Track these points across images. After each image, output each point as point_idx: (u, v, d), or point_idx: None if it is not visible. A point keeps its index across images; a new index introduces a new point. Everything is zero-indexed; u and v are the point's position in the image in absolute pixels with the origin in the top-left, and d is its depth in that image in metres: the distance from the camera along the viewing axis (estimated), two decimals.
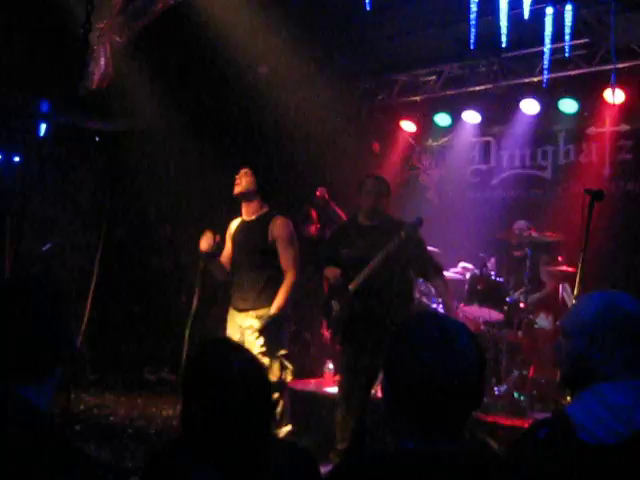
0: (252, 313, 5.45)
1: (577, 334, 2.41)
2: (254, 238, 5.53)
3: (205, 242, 5.49)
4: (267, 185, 5.66)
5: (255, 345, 5.39)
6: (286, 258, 5.44)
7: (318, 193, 7.75)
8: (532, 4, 6.10)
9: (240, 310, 5.53)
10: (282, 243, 5.45)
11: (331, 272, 5.47)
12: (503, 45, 5.90)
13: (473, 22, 5.58)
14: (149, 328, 8.87)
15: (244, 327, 5.47)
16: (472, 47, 5.95)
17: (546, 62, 6.17)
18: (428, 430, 1.84)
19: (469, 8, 6.11)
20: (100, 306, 8.37)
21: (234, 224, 5.76)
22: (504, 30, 5.73)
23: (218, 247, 5.52)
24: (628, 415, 2.19)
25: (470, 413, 1.89)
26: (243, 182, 5.56)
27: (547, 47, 5.99)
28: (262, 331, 5.34)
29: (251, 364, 2.11)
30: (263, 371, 2.18)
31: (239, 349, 2.19)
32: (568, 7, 5.92)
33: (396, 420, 1.88)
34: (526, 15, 5.73)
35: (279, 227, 5.48)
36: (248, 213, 5.63)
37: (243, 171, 5.59)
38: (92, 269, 8.20)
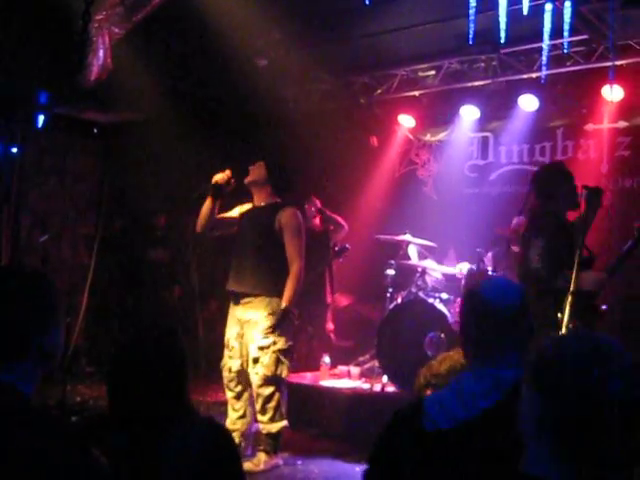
0: (251, 302, 5.44)
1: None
2: (261, 223, 5.53)
3: (221, 175, 5.50)
4: (281, 180, 5.66)
5: (256, 339, 5.40)
6: (292, 248, 5.44)
7: (312, 207, 7.83)
8: (531, 0, 6.10)
9: (237, 297, 5.52)
10: (289, 233, 5.46)
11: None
12: (502, 41, 5.89)
13: (472, 17, 5.57)
14: (145, 320, 8.88)
15: (243, 320, 5.48)
16: (471, 42, 5.94)
17: (544, 58, 6.17)
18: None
19: (468, 3, 6.11)
20: (97, 298, 8.39)
21: (246, 207, 5.76)
22: (503, 26, 5.73)
23: (229, 184, 5.51)
24: (473, 401, 2.22)
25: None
26: (255, 173, 5.58)
27: (546, 43, 5.99)
28: (275, 328, 5.35)
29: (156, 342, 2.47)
30: (168, 347, 2.48)
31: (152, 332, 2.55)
32: (567, 3, 5.92)
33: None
34: (525, 11, 5.72)
35: (287, 216, 5.49)
36: (259, 200, 5.64)
37: (258, 164, 5.59)
38: (89, 261, 8.22)
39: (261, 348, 5.37)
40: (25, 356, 1.98)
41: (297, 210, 5.62)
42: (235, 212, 5.76)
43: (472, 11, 5.51)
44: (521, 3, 6.12)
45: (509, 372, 2.27)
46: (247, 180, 5.61)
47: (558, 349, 1.63)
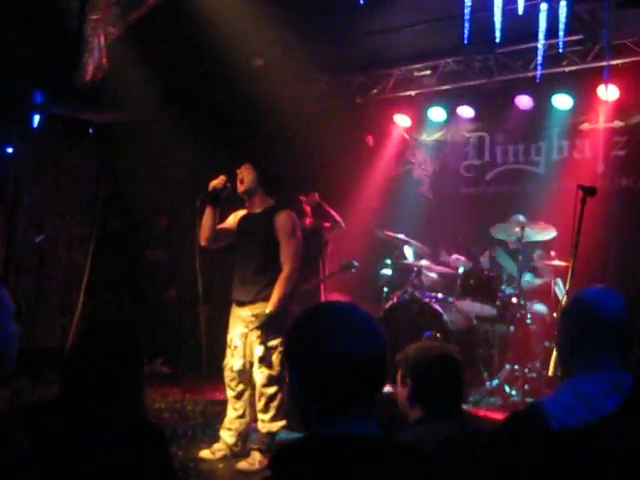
0: (250, 308, 5.46)
1: (560, 325, 2.55)
2: (260, 230, 5.51)
3: (217, 181, 5.50)
4: (271, 179, 5.65)
5: (256, 340, 5.40)
6: (286, 251, 5.44)
7: (307, 201, 7.80)
8: (527, 0, 6.11)
9: (241, 304, 5.53)
10: (284, 235, 5.45)
11: None
12: (497, 40, 5.89)
13: (467, 17, 5.57)
14: (142, 320, 8.87)
15: (248, 320, 5.48)
16: (467, 42, 5.93)
17: (540, 58, 6.17)
18: (341, 414, 1.80)
19: (464, 3, 6.12)
20: (93, 298, 8.39)
21: (241, 212, 5.75)
22: (498, 25, 5.73)
23: (225, 189, 5.51)
24: (598, 404, 2.25)
25: (379, 390, 1.86)
26: (245, 179, 5.55)
27: (541, 43, 5.99)
28: (261, 328, 5.35)
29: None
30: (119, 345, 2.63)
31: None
32: (562, 3, 5.92)
33: (312, 412, 1.84)
34: (520, 11, 5.73)
35: (282, 220, 5.48)
36: (253, 206, 5.63)
37: (244, 167, 5.58)
38: (85, 261, 8.22)
39: (267, 349, 5.38)
40: None
41: (292, 212, 5.61)
42: (231, 220, 5.76)
43: (467, 10, 5.50)
44: (517, 3, 6.14)
45: (626, 375, 2.34)
46: (240, 191, 5.61)
47: None
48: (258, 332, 5.37)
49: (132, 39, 7.52)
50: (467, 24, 5.58)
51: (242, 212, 5.74)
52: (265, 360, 5.37)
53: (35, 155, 8.51)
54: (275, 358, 5.39)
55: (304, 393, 1.84)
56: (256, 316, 5.38)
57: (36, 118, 8.18)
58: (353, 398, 1.80)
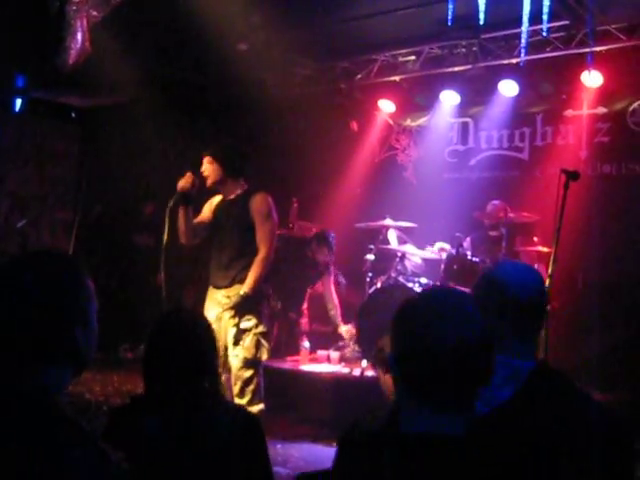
0: (226, 291, 5.46)
1: None
2: (235, 216, 5.49)
3: (184, 181, 5.40)
4: (234, 162, 5.57)
5: (230, 322, 5.40)
6: (262, 233, 5.42)
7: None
8: None
9: (219, 287, 5.53)
10: (259, 218, 5.43)
11: None
12: (481, 22, 5.87)
13: (451, 1, 5.54)
14: (127, 306, 8.85)
15: (223, 303, 5.48)
16: (451, 26, 5.90)
17: (523, 41, 6.17)
18: (438, 410, 1.73)
19: None
20: None
21: (216, 199, 5.72)
22: (482, 7, 5.71)
23: (194, 187, 5.39)
24: (490, 391, 2.06)
25: (478, 389, 1.77)
26: (209, 173, 5.49)
27: (525, 26, 5.98)
28: (234, 308, 5.35)
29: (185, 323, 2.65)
30: (197, 333, 2.63)
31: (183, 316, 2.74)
32: None
33: (408, 404, 1.78)
34: None
35: (257, 202, 5.45)
36: (227, 193, 5.60)
37: (205, 160, 5.51)
38: (69, 245, 8.17)
39: (244, 330, 5.37)
40: (57, 357, 1.77)
41: (266, 194, 5.57)
42: (206, 210, 5.73)
43: None
44: None
45: (527, 363, 2.21)
46: (208, 185, 5.57)
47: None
48: (231, 313, 5.37)
49: (115, 22, 7.46)
50: (450, 5, 5.54)
51: (217, 198, 5.72)
52: (239, 342, 5.37)
53: (17, 139, 8.44)
54: (250, 340, 5.38)
55: (405, 387, 1.77)
56: (229, 297, 5.38)
57: (18, 102, 8.12)
58: (451, 391, 1.72)
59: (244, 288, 5.32)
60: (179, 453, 2.37)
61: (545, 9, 5.87)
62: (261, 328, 5.42)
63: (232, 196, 5.56)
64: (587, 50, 7.20)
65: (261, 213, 5.44)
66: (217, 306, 5.51)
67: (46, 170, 8.72)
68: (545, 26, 6.13)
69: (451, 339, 1.70)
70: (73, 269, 1.84)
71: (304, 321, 8.13)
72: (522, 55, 6.38)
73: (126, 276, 8.98)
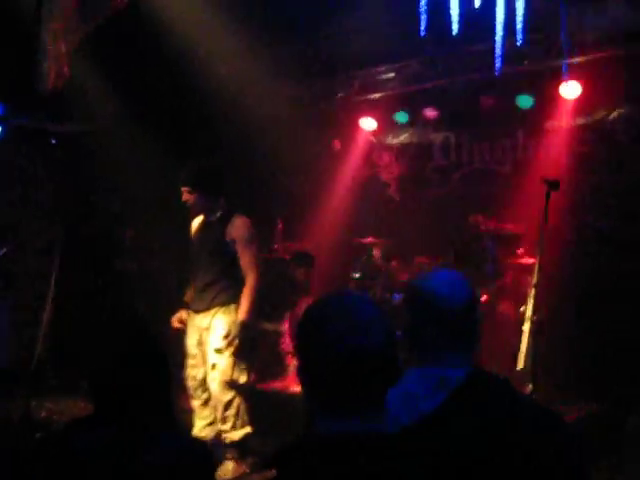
0: (205, 315, 5.42)
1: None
2: (213, 238, 5.49)
3: (176, 321, 5.56)
4: (211, 187, 5.55)
5: (210, 345, 5.36)
6: (246, 259, 5.40)
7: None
8: None
9: (198, 311, 5.50)
10: (241, 243, 5.41)
11: None
12: (454, 33, 5.88)
13: (424, 12, 5.55)
14: (113, 332, 8.76)
15: (202, 327, 5.44)
16: (426, 41, 5.89)
17: (498, 50, 6.18)
18: (344, 411, 1.71)
19: (426, 2, 6.06)
20: (61, 310, 8.26)
21: (197, 221, 5.72)
22: (455, 18, 5.74)
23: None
24: (416, 403, 2.09)
25: (385, 389, 1.75)
26: (189, 201, 5.51)
27: (498, 35, 5.99)
28: (228, 337, 5.31)
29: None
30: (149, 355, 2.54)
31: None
32: None
33: (314, 404, 1.77)
34: (477, 4, 5.75)
35: (238, 227, 5.44)
36: (207, 215, 5.59)
37: (183, 190, 5.51)
38: (52, 272, 8.09)
39: (217, 351, 5.33)
40: None
41: (246, 218, 5.55)
42: (195, 228, 5.75)
43: (423, 5, 5.49)
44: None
45: (456, 371, 2.16)
46: (193, 212, 5.60)
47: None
48: (212, 339, 5.34)
49: (94, 48, 7.46)
50: (423, 15, 5.56)
51: (198, 219, 5.74)
52: (215, 365, 5.34)
53: None
54: (225, 363, 5.34)
55: (307, 389, 1.78)
56: (229, 321, 5.34)
57: None
58: (354, 394, 1.70)
59: (240, 315, 5.28)
60: (123, 468, 2.30)
61: (519, 18, 5.89)
62: (234, 348, 5.36)
63: (212, 218, 5.54)
64: (564, 62, 7.21)
65: (242, 238, 5.42)
66: (196, 332, 5.48)
67: (27, 196, 8.67)
68: (519, 37, 6.14)
69: (348, 344, 1.69)
70: None
71: (286, 341, 8.07)
72: (497, 68, 6.38)
73: (111, 302, 8.91)
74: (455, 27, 5.68)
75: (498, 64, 6.23)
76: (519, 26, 5.88)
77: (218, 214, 5.53)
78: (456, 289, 2.22)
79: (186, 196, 5.48)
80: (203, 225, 5.63)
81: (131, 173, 8.64)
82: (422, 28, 5.61)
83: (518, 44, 6.00)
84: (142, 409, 2.41)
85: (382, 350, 1.71)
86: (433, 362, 2.17)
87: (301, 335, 1.80)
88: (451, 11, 5.66)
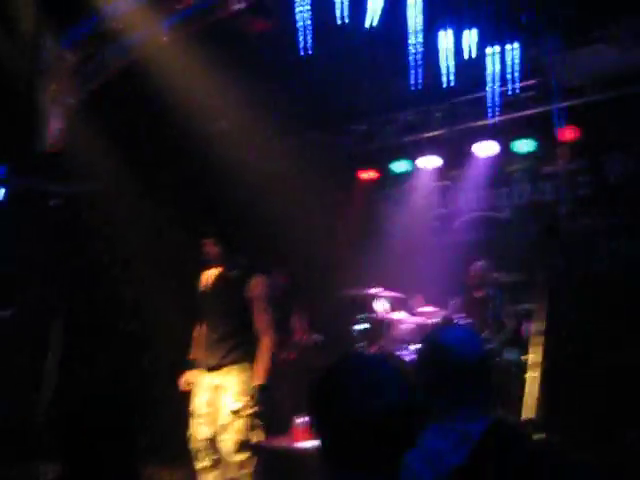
0: (217, 374, 5.35)
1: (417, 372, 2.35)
2: (229, 293, 5.42)
3: (184, 383, 5.49)
4: (234, 240, 5.58)
5: (227, 405, 5.27)
6: (262, 319, 5.34)
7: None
8: (480, 46, 6.17)
9: (208, 369, 5.42)
10: (258, 302, 5.36)
11: None
12: (444, 85, 5.94)
13: (413, 64, 5.61)
14: (118, 392, 8.68)
15: (213, 386, 5.36)
16: (416, 88, 5.92)
17: (490, 101, 6.24)
18: (360, 468, 1.73)
19: (422, 54, 6.13)
20: (66, 372, 8.21)
21: (210, 273, 5.64)
22: (444, 71, 5.80)
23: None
24: (440, 459, 2.09)
25: (403, 446, 1.77)
26: (211, 252, 5.49)
27: (489, 86, 6.06)
28: (244, 398, 5.24)
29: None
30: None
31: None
32: (508, 47, 6.02)
33: (330, 461, 1.79)
34: (466, 55, 5.82)
35: (256, 286, 5.39)
36: (224, 270, 5.54)
37: (207, 241, 5.50)
38: (56, 335, 8.07)
39: (233, 412, 5.24)
40: None
41: (264, 279, 5.53)
42: (204, 281, 5.70)
43: (412, 59, 5.55)
44: (471, 49, 6.18)
45: (476, 425, 2.17)
46: (210, 263, 5.56)
47: None
48: (226, 399, 5.27)
49: (92, 108, 7.54)
50: (412, 70, 5.62)
51: (210, 272, 5.65)
52: (228, 426, 5.25)
53: (0, 228, 8.43)
54: (241, 422, 5.25)
55: (322, 446, 1.79)
56: (243, 379, 5.27)
57: (1, 192, 8.13)
58: (370, 451, 1.72)
59: (256, 379, 5.22)
60: None
61: (509, 69, 5.96)
62: (251, 409, 5.28)
63: (230, 273, 5.50)
64: (555, 107, 7.26)
65: (260, 297, 5.38)
66: (207, 391, 5.39)
67: (29, 258, 8.68)
68: (511, 86, 6.21)
69: (363, 404, 1.72)
70: None
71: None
72: (490, 116, 6.43)
73: (116, 362, 8.85)
74: (445, 80, 5.73)
75: (490, 114, 6.28)
76: (509, 76, 5.95)
77: (236, 270, 5.50)
78: (472, 344, 2.29)
79: (208, 248, 5.48)
80: (218, 279, 5.58)
81: (132, 232, 8.66)
82: (412, 82, 5.63)
83: (509, 94, 6.06)
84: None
85: (397, 409, 1.73)
86: (453, 417, 2.20)
87: (317, 396, 1.83)
88: (441, 64, 5.72)
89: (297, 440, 7.14)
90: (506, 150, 8.16)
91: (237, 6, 6.25)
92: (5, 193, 8.18)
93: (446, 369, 2.23)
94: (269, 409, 7.52)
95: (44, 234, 8.90)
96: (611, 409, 6.52)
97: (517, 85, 6.71)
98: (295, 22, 4.95)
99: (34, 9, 6.32)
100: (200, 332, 5.59)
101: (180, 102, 7.48)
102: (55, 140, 7.45)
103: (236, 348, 5.34)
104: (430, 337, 2.41)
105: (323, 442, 1.80)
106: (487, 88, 6.12)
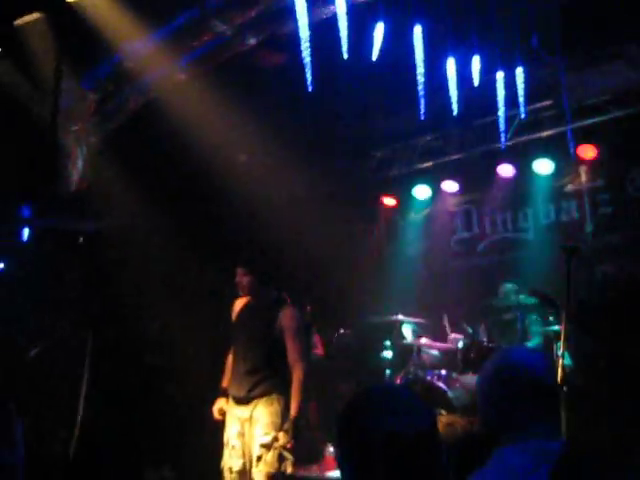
0: (246, 408, 5.34)
1: (478, 395, 2.38)
2: (260, 324, 5.42)
3: (217, 412, 5.49)
4: (267, 272, 5.60)
5: (257, 437, 5.26)
6: (294, 350, 5.32)
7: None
8: (493, 70, 6.20)
9: (237, 400, 5.42)
10: (290, 334, 5.34)
11: None
12: (454, 113, 5.96)
13: (422, 94, 5.63)
14: (147, 426, 8.72)
15: (243, 418, 5.36)
16: (423, 117, 5.93)
17: (502, 126, 6.25)
18: None
19: (441, 80, 6.17)
20: (94, 407, 8.25)
21: (240, 303, 5.67)
22: (454, 98, 5.82)
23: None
24: (521, 476, 2.09)
25: (427, 475, 1.78)
26: (243, 282, 5.50)
27: (501, 111, 6.08)
28: (274, 430, 5.23)
29: None
30: None
31: None
32: (519, 70, 6.03)
33: None
34: (476, 82, 5.85)
35: (287, 318, 5.38)
36: (255, 299, 5.56)
37: (239, 271, 5.51)
38: (83, 371, 8.13)
39: (263, 446, 5.22)
40: None
41: (295, 309, 5.55)
42: (236, 311, 5.72)
43: (421, 87, 5.58)
44: (488, 74, 6.22)
45: (554, 444, 2.19)
46: (241, 292, 5.58)
47: None
48: (256, 431, 5.25)
49: (114, 146, 7.65)
50: (423, 100, 5.65)
51: (241, 301, 5.66)
52: (260, 458, 5.23)
53: (27, 268, 8.53)
54: (272, 455, 5.23)
55: (346, 474, 1.82)
56: (273, 411, 5.24)
57: (25, 232, 8.23)
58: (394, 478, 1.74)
59: (291, 412, 5.20)
60: None
61: (520, 92, 5.97)
62: (282, 441, 5.26)
63: (260, 303, 5.52)
64: (579, 125, 7.26)
65: (291, 329, 5.36)
66: (237, 422, 5.38)
67: (57, 296, 8.77)
68: (522, 110, 6.22)
69: (385, 429, 1.76)
70: None
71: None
72: (504, 139, 6.44)
73: (143, 397, 8.88)
74: (455, 107, 5.75)
75: (504, 138, 6.30)
76: (521, 99, 5.97)
77: (268, 301, 5.52)
78: (545, 363, 2.34)
79: (240, 277, 5.49)
80: (249, 309, 5.59)
81: (156, 266, 8.73)
82: (422, 112, 5.66)
83: (522, 117, 6.07)
84: None
85: (420, 435, 1.76)
86: (530, 434, 2.21)
87: (341, 422, 1.86)
88: (450, 92, 5.74)
89: (329, 469, 7.13)
90: (526, 171, 8.13)
91: (251, 41, 6.33)
92: (30, 233, 8.29)
93: (524, 387, 2.25)
94: (302, 439, 7.54)
95: (69, 272, 9.00)
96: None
97: (528, 107, 6.72)
98: (307, 56, 5.00)
99: (55, 52, 6.43)
100: (231, 361, 5.61)
101: (200, 136, 7.56)
102: (79, 180, 7.56)
103: (264, 380, 5.32)
104: (501, 357, 2.43)
105: (342, 472, 1.83)
106: (499, 113, 6.12)
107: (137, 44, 6.58)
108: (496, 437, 2.27)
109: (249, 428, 5.30)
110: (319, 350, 8.20)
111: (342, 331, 7.95)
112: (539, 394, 2.25)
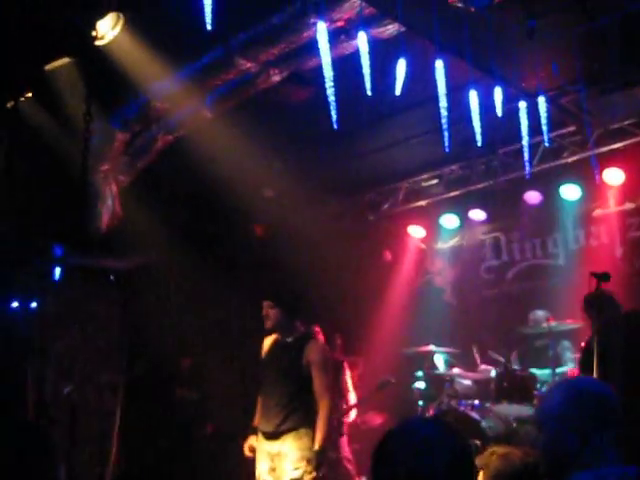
0: (276, 443, 5.34)
1: (548, 420, 2.38)
2: (287, 359, 5.46)
3: (248, 449, 5.52)
4: (294, 306, 5.62)
5: (287, 472, 5.26)
6: (320, 384, 5.35)
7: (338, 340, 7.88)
8: (515, 100, 6.22)
9: (267, 435, 5.43)
10: (316, 368, 5.37)
11: None
12: (479, 144, 5.97)
13: (445, 127, 5.64)
14: (179, 462, 8.72)
15: (273, 453, 5.37)
16: (447, 150, 5.95)
17: (526, 155, 6.26)
18: None
19: (465, 110, 6.20)
20: (127, 443, 8.28)
21: (268, 340, 5.71)
22: (478, 129, 5.83)
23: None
24: None
25: None
26: (270, 316, 5.54)
27: (525, 140, 6.08)
28: (303, 465, 5.23)
29: None
30: None
31: None
32: (541, 99, 6.04)
33: None
34: (499, 112, 5.87)
35: (314, 351, 5.42)
36: (283, 335, 5.59)
37: (266, 304, 5.55)
38: (116, 407, 8.18)
39: None
40: None
41: (323, 343, 5.59)
42: (266, 348, 5.74)
43: (444, 120, 5.59)
44: (512, 103, 6.24)
45: (630, 467, 2.23)
46: (268, 327, 5.60)
47: None
48: (286, 466, 5.25)
49: (143, 184, 7.75)
50: (447, 133, 5.66)
51: (270, 339, 5.71)
52: None
53: (59, 306, 8.62)
54: None
55: None
56: (302, 446, 5.26)
57: (57, 271, 8.33)
58: None
59: (316, 444, 5.21)
60: None
61: (543, 120, 5.98)
62: (311, 475, 5.26)
63: (288, 339, 5.54)
64: (604, 149, 7.24)
65: (318, 363, 5.39)
66: (267, 458, 5.39)
67: (89, 334, 8.83)
68: (546, 135, 6.22)
69: (406, 465, 1.84)
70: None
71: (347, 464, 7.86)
72: (528, 168, 6.43)
73: (176, 432, 8.90)
74: (479, 138, 5.77)
75: (529, 166, 6.30)
76: (544, 127, 5.97)
77: (294, 335, 5.54)
78: (610, 389, 2.39)
79: (266, 310, 5.53)
80: (277, 345, 5.62)
81: (185, 302, 8.79)
82: (446, 145, 5.67)
83: (546, 145, 6.08)
84: None
85: (444, 470, 1.82)
86: (606, 462, 2.24)
87: (372, 458, 1.95)
88: (473, 123, 5.76)
89: None
90: (554, 197, 8.12)
91: (276, 77, 6.40)
92: (61, 272, 8.39)
93: (608, 413, 2.30)
94: (331, 472, 7.50)
95: (101, 309, 9.09)
96: None
97: (553, 134, 6.72)
98: (332, 95, 5.04)
99: (84, 95, 6.56)
100: (261, 398, 5.63)
101: (228, 171, 7.64)
102: (110, 219, 7.66)
103: (293, 414, 5.34)
104: (571, 386, 2.46)
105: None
106: (523, 142, 6.13)
107: (163, 84, 6.68)
108: (560, 466, 2.30)
109: (279, 463, 5.32)
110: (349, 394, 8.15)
111: (385, 379, 7.90)
112: (618, 420, 2.31)
